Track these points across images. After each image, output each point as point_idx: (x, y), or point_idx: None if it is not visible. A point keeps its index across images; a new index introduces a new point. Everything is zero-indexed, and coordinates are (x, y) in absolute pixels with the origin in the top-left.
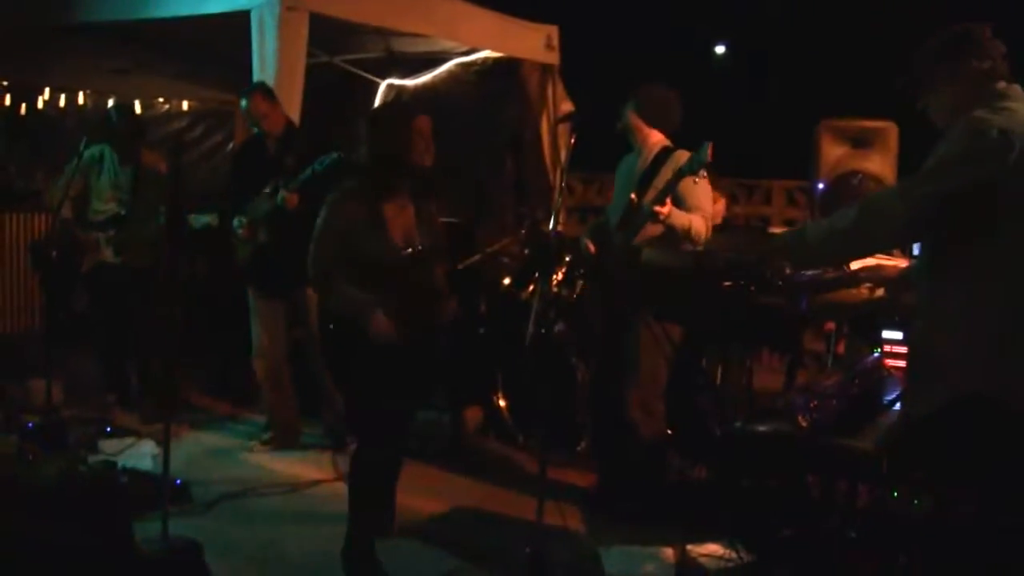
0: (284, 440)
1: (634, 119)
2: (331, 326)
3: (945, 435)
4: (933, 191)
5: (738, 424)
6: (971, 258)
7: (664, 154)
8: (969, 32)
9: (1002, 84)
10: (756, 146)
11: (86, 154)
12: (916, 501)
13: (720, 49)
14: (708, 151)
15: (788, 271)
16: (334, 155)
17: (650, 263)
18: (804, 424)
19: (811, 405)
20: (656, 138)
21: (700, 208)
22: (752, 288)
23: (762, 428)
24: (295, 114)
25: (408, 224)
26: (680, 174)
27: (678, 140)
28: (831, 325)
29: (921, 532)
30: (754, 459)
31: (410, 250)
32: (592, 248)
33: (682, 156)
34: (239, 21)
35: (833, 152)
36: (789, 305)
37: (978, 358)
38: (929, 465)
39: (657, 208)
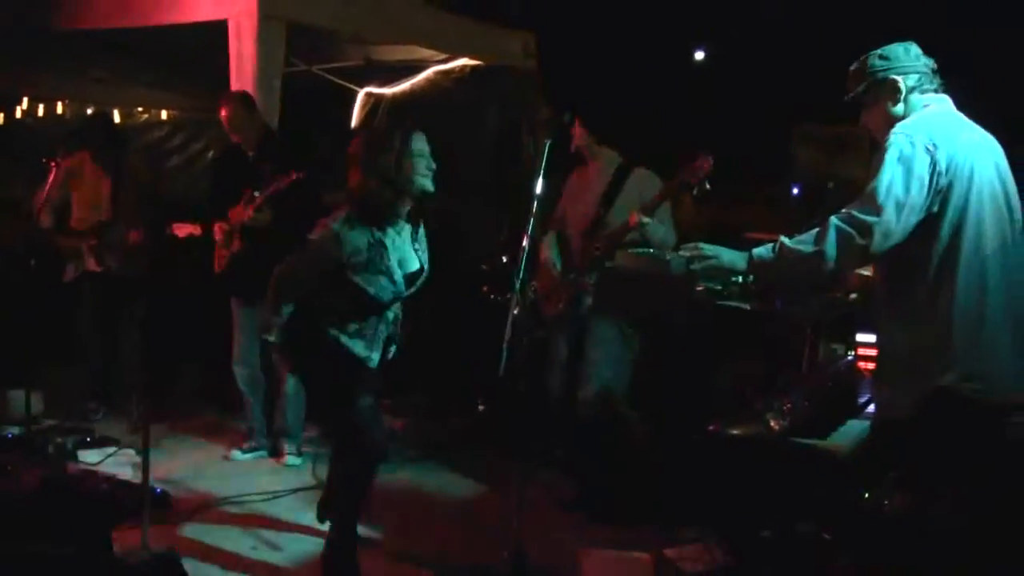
0: (264, 448)
1: (585, 137)
2: (298, 340)
3: (915, 432)
4: (898, 218)
5: (711, 427)
6: (921, 259)
7: (623, 170)
8: (894, 51)
9: (928, 96)
10: (735, 150)
11: (66, 162)
12: (886, 501)
13: (699, 55)
14: (706, 166)
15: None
16: (294, 177)
17: (622, 268)
18: (776, 427)
19: (784, 408)
20: (609, 153)
21: (666, 230)
22: (725, 294)
23: (735, 431)
24: (273, 122)
25: (403, 249)
26: (681, 188)
27: (648, 148)
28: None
29: (892, 532)
30: (727, 461)
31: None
32: (555, 260)
33: (642, 173)
34: (217, 30)
35: (808, 157)
36: (761, 308)
37: (940, 355)
38: (901, 463)
39: (635, 218)
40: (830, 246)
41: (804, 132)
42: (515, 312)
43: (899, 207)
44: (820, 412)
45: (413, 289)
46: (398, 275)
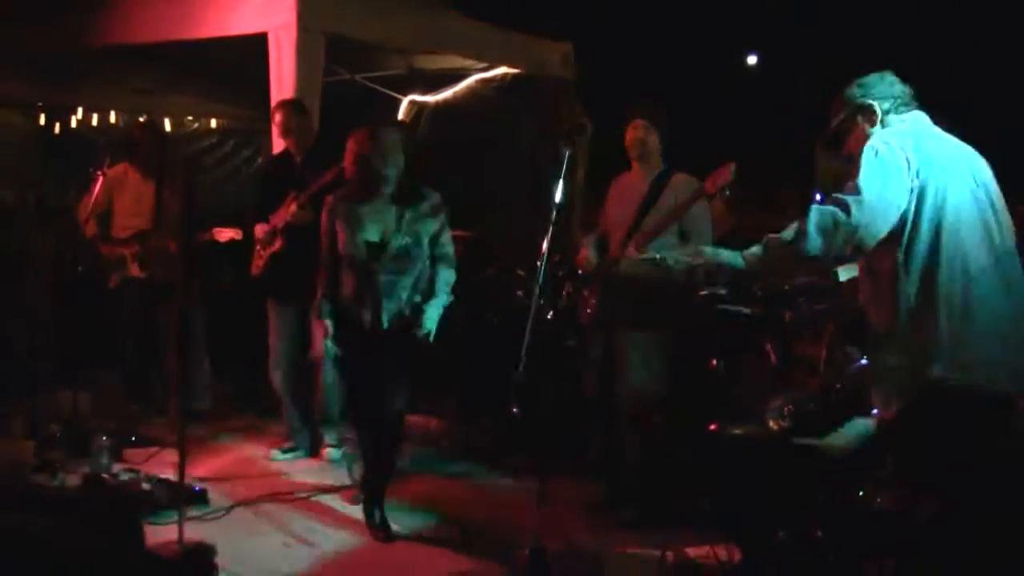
0: (302, 448)
1: (656, 141)
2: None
3: (906, 426)
4: (878, 199)
5: (713, 427)
6: (904, 259)
7: (663, 176)
8: (870, 79)
9: (904, 115)
10: (776, 155)
11: (110, 171)
12: (879, 499)
13: (752, 59)
14: (728, 173)
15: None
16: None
17: (629, 275)
18: (775, 427)
19: (786, 409)
20: (656, 159)
21: (700, 232)
22: (728, 297)
23: (734, 431)
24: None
25: (386, 224)
26: (702, 195)
27: (691, 153)
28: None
29: (885, 528)
30: (726, 461)
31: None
32: (594, 260)
33: (680, 178)
34: (259, 42)
35: (831, 163)
36: (765, 313)
37: (928, 350)
38: (894, 459)
39: (631, 251)
40: (811, 227)
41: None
42: (537, 316)
43: (878, 191)
44: (825, 413)
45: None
46: (371, 239)
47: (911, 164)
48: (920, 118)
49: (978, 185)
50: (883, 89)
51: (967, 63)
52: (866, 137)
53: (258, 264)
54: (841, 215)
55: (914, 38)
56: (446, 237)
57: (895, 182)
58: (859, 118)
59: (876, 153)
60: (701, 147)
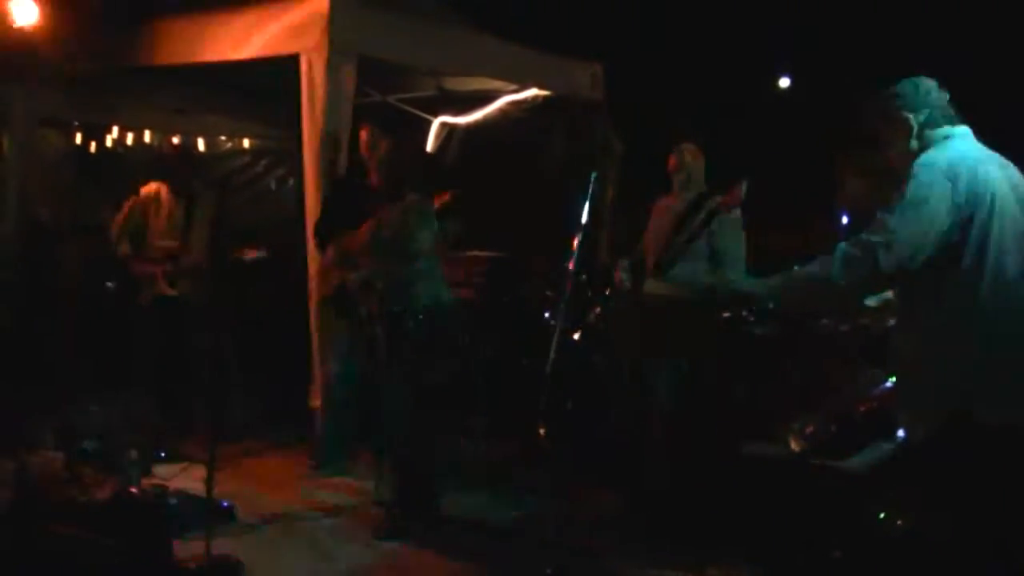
0: (331, 466)
1: (701, 167)
2: None
3: (934, 455)
4: (909, 239)
5: (732, 447)
6: (942, 285)
7: (700, 198)
8: (904, 88)
9: (947, 128)
10: (807, 177)
11: (143, 191)
12: (899, 521)
13: (784, 82)
14: (743, 190)
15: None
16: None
17: (652, 294)
18: (796, 448)
19: (807, 430)
20: (700, 182)
21: (733, 257)
22: (751, 319)
23: (758, 452)
24: (343, 152)
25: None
26: (716, 213)
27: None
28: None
29: (901, 552)
30: (748, 481)
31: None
32: (628, 282)
33: (717, 200)
34: (292, 63)
35: (856, 185)
36: (788, 334)
37: (962, 380)
38: (917, 486)
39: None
40: (836, 266)
41: (850, 159)
42: (558, 334)
43: (911, 231)
44: (846, 435)
45: None
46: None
47: (957, 198)
48: (966, 136)
49: (1019, 209)
50: (919, 98)
51: (1004, 86)
52: (903, 151)
53: (328, 286)
54: (869, 259)
55: (948, 61)
56: None
57: (935, 218)
58: (893, 130)
59: (920, 185)
60: (731, 169)
